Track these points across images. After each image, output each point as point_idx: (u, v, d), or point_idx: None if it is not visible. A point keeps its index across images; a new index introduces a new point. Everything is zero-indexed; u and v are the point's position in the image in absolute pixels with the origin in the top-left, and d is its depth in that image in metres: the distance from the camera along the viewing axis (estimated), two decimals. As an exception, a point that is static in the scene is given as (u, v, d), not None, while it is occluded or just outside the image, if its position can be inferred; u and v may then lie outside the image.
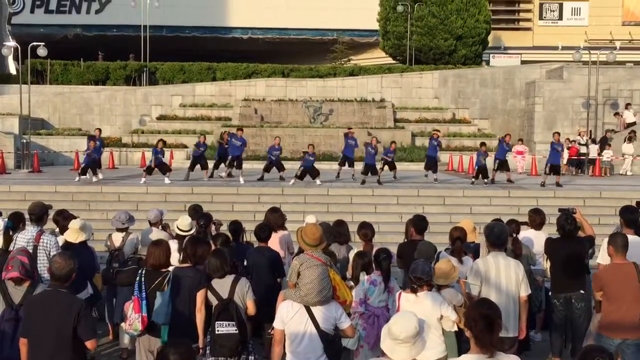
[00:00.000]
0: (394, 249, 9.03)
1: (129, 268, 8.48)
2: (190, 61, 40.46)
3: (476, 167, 22.24)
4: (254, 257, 8.56)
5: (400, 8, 42.39)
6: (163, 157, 22.06)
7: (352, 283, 7.70)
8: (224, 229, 9.84)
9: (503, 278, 6.96)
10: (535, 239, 9.50)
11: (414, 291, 6.49)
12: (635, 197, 16.61)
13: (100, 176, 22.25)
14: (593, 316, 7.96)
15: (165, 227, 10.36)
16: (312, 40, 56.57)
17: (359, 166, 22.98)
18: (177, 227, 8.84)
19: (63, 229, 9.10)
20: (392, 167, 23.03)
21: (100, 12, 57.02)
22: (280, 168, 22.57)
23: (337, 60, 48.79)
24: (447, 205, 18.69)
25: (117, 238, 9.39)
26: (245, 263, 8.47)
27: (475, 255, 8.61)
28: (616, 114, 30.57)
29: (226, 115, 34.92)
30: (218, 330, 6.55)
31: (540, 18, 56.43)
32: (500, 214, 14.61)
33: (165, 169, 21.46)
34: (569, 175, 26.90)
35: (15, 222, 8.63)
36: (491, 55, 51.85)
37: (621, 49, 48.51)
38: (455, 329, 6.65)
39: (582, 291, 8.30)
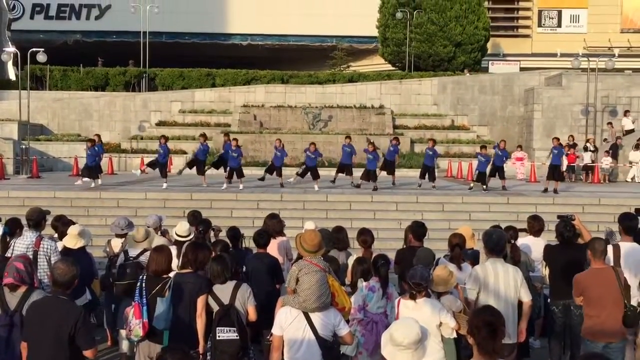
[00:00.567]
0: (392, 255, 9.03)
1: (127, 282, 8.38)
2: (190, 67, 40.50)
3: (476, 172, 22.13)
4: (253, 263, 8.56)
5: (399, 15, 42.49)
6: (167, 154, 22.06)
7: (349, 289, 7.69)
8: (222, 235, 9.84)
9: (502, 284, 6.96)
10: (533, 245, 9.51)
11: (413, 297, 6.49)
12: (634, 204, 16.63)
13: (99, 182, 22.25)
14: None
15: (164, 233, 10.35)
16: (312, 47, 56.70)
17: (357, 173, 22.98)
18: (176, 233, 8.84)
19: (62, 235, 9.09)
20: (391, 172, 23.03)
21: (99, 18, 57.14)
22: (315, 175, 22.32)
23: (337, 67, 48.88)
24: (446, 212, 18.69)
25: (116, 244, 9.39)
26: (244, 269, 8.47)
27: (474, 262, 8.61)
28: (609, 123, 30.58)
29: (225, 121, 34.94)
30: (219, 336, 6.55)
31: (539, 25, 56.59)
32: (499, 220, 14.61)
33: (164, 172, 21.59)
34: (568, 182, 26.93)
35: (12, 228, 8.63)
36: (490, 62, 51.99)
37: (620, 56, 48.59)
38: (454, 335, 6.64)
39: (577, 298, 8.31)
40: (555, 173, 21.56)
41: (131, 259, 8.54)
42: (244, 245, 9.68)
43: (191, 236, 8.83)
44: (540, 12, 56.60)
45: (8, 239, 8.58)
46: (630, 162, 28.01)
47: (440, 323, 6.46)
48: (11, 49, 36.06)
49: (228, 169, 22.27)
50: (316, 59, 53.71)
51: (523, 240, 9.66)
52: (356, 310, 7.13)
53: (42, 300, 5.91)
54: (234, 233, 9.42)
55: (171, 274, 6.96)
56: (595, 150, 28.04)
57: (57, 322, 5.55)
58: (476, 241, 9.69)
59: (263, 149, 30.68)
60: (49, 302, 5.78)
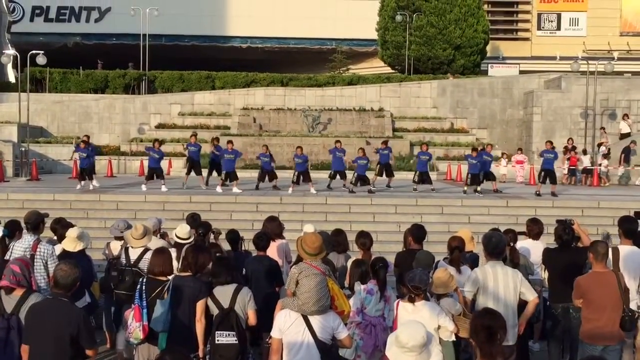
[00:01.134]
0: (392, 258, 9.03)
1: (127, 293, 8.35)
2: (190, 70, 40.51)
3: (468, 175, 21.99)
4: (252, 266, 8.56)
5: (399, 18, 42.53)
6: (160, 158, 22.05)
7: (348, 292, 7.70)
8: (222, 237, 9.84)
9: (501, 287, 6.97)
10: (532, 248, 9.51)
11: (412, 300, 6.49)
12: (634, 207, 16.63)
13: (96, 184, 22.22)
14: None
15: (163, 236, 10.36)
16: (311, 50, 56.76)
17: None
18: (176, 236, 8.85)
19: (61, 238, 9.09)
20: (389, 174, 23.02)
21: (99, 20, 57.20)
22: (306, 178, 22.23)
23: (336, 70, 48.92)
24: (445, 215, 18.69)
25: (116, 246, 9.38)
26: (244, 272, 8.47)
27: (473, 265, 8.61)
28: (602, 128, 30.57)
29: (225, 124, 34.95)
30: (218, 340, 6.54)
31: (539, 28, 56.69)
32: (498, 223, 14.61)
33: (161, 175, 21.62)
34: (568, 184, 26.97)
35: (12, 230, 8.62)
36: (490, 65, 52.05)
37: (619, 59, 48.61)
38: (453, 338, 6.65)
39: (576, 300, 8.32)
40: (549, 177, 21.54)
41: (132, 262, 8.54)
42: (243, 248, 9.68)
43: (191, 239, 8.83)
44: (539, 15, 56.70)
45: (7, 242, 8.58)
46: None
47: (439, 326, 6.46)
48: (11, 51, 36.12)
49: (223, 172, 22.14)
50: (316, 61, 53.77)
51: (522, 243, 9.66)
52: (354, 313, 7.14)
53: (42, 303, 5.91)
54: (234, 236, 9.42)
55: (171, 277, 6.96)
56: (608, 153, 27.95)
57: (58, 325, 5.56)
58: (475, 244, 9.71)
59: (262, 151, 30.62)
60: (49, 304, 5.78)
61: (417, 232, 8.94)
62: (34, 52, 31.26)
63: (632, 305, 7.33)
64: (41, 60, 31.14)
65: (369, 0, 54.53)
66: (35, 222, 8.65)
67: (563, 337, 8.57)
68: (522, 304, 7.14)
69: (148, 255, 7.91)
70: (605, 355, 6.86)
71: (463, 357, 7.36)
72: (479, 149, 23.74)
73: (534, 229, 9.76)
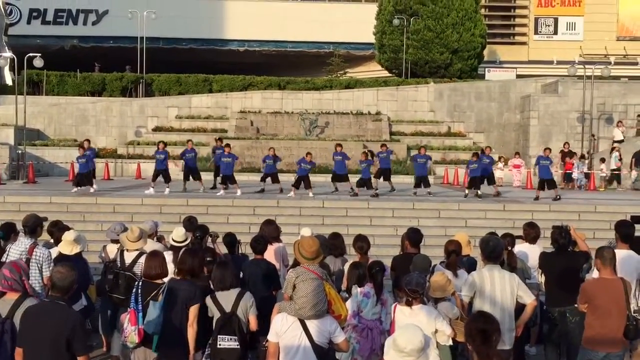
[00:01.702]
0: (389, 262, 9.03)
1: (121, 297, 8.34)
2: (187, 73, 40.51)
3: (470, 178, 22.10)
4: (249, 270, 8.55)
5: (396, 21, 42.58)
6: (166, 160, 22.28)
7: (346, 295, 7.70)
8: (219, 241, 9.82)
9: (498, 291, 6.97)
10: (530, 252, 9.51)
11: (409, 304, 6.49)
12: (630, 211, 16.68)
13: (95, 186, 22.20)
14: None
15: (160, 239, 10.34)
16: (309, 53, 56.79)
17: (353, 179, 22.99)
18: (172, 239, 8.83)
19: (58, 241, 9.08)
20: (387, 179, 23.09)
21: (97, 23, 57.16)
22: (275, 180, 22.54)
23: (333, 73, 48.94)
24: (442, 219, 18.69)
25: (112, 249, 9.36)
26: (241, 275, 8.46)
27: (470, 269, 8.61)
28: (592, 135, 30.58)
29: (222, 127, 34.95)
30: (220, 345, 6.52)
31: (536, 32, 56.81)
32: (495, 227, 14.61)
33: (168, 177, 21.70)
34: (565, 189, 27.03)
35: (7, 233, 8.60)
36: (487, 69, 52.13)
37: (616, 63, 48.82)
38: (450, 343, 6.65)
39: (577, 305, 8.30)
40: (547, 184, 21.55)
41: (126, 265, 8.53)
42: (240, 251, 9.67)
43: (187, 241, 8.81)
44: (536, 19, 56.83)
45: (2, 244, 8.56)
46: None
47: (436, 330, 6.46)
48: (8, 53, 36.04)
49: (221, 175, 22.17)
50: (313, 65, 53.78)
51: (519, 247, 9.67)
52: (351, 316, 7.13)
53: (39, 306, 5.88)
54: (231, 239, 9.41)
55: (166, 279, 6.94)
56: (621, 159, 27.94)
57: (55, 328, 5.52)
58: (472, 248, 9.71)
59: (259, 155, 30.62)
60: (46, 307, 5.75)
61: (414, 236, 8.94)
62: (31, 54, 31.22)
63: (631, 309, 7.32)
64: (38, 62, 31.10)
65: (367, 4, 54.68)
66: (33, 226, 8.63)
67: (560, 341, 8.57)
68: (519, 308, 7.14)
69: (142, 259, 7.89)
70: None
71: (460, 361, 7.36)
72: (478, 152, 23.80)
73: (531, 232, 9.77)
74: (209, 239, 9.57)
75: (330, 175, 23.90)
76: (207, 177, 25.89)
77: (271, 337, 5.73)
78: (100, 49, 54.48)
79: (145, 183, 24.13)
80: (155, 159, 22.65)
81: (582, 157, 28.31)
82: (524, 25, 57.24)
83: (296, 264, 6.79)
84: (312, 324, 5.62)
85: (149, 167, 30.00)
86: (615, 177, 27.78)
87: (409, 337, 4.76)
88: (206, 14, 56.09)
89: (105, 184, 25.28)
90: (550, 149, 23.56)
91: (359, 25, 51.49)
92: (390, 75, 45.31)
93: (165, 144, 23.37)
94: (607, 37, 54.62)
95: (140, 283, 6.80)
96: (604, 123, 31.72)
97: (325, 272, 6.25)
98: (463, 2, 42.65)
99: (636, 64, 53.46)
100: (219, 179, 22.80)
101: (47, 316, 5.61)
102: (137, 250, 8.62)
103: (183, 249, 7.71)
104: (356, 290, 7.55)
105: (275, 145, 30.53)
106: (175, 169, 22.60)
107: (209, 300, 6.75)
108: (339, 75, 48.54)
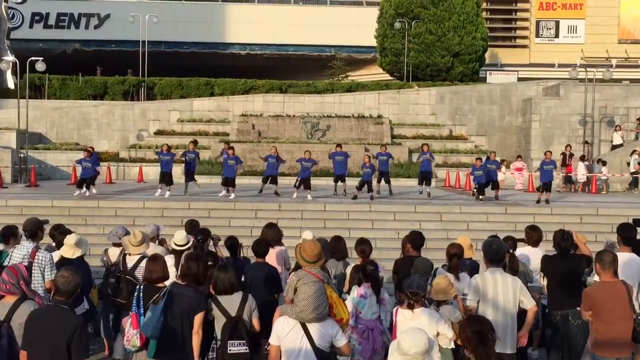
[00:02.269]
0: (390, 265, 9.04)
1: (122, 302, 8.32)
2: (189, 76, 40.56)
3: (476, 184, 22.06)
4: (251, 273, 8.54)
5: (397, 25, 42.62)
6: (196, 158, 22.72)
7: (347, 296, 7.71)
8: (221, 244, 9.82)
9: (500, 294, 6.96)
10: (532, 256, 9.50)
11: (411, 307, 6.49)
12: (632, 214, 16.64)
13: (94, 191, 22.21)
14: (590, 333, 7.95)
15: (162, 242, 10.34)
16: (310, 57, 56.85)
17: (353, 182, 23.01)
18: (174, 242, 8.83)
19: (60, 244, 9.08)
20: (387, 181, 23.11)
21: (99, 27, 57.29)
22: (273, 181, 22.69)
23: (335, 77, 49.00)
24: (444, 222, 18.67)
25: (114, 253, 9.37)
26: (242, 279, 8.45)
27: (472, 272, 8.61)
28: (586, 142, 30.50)
29: (224, 130, 34.98)
30: (230, 350, 6.49)
31: (537, 35, 56.86)
32: (497, 230, 14.60)
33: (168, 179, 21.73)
34: (565, 192, 27.01)
35: (5, 236, 8.59)
36: (488, 72, 52.16)
37: (617, 66, 48.85)
38: (452, 346, 6.64)
39: (578, 308, 8.29)
40: (545, 187, 21.53)
41: (128, 269, 8.53)
42: (242, 255, 9.67)
43: (189, 245, 8.81)
44: (538, 22, 56.88)
45: (2, 248, 8.56)
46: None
47: (438, 333, 6.46)
48: (10, 57, 36.14)
49: (224, 178, 22.19)
50: (315, 68, 53.83)
51: (521, 250, 9.66)
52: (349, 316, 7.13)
53: (42, 309, 5.89)
54: (233, 242, 9.40)
55: (167, 282, 6.92)
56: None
57: (57, 331, 5.53)
58: (474, 251, 9.70)
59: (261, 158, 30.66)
60: (49, 311, 5.76)
61: (416, 239, 8.93)
62: (33, 58, 31.29)
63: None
64: (40, 66, 31.16)
65: (368, 7, 54.76)
66: (33, 229, 8.61)
67: (562, 345, 8.55)
68: (521, 312, 7.13)
69: (144, 263, 7.88)
70: None
71: (462, 365, 7.35)
72: (483, 158, 23.81)
73: (533, 235, 9.75)
74: (211, 243, 9.56)
75: (332, 178, 23.88)
76: (207, 180, 26.01)
77: (273, 340, 5.73)
78: (102, 52, 54.59)
79: (147, 187, 24.13)
80: (160, 161, 22.58)
81: (583, 157, 28.26)
82: (526, 28, 57.29)
83: (298, 267, 6.79)
84: (313, 328, 5.62)
85: (150, 171, 30.08)
86: (634, 180, 27.70)
87: (413, 340, 4.76)
88: (208, 17, 56.20)
89: (107, 188, 25.30)
90: (551, 152, 23.54)
91: (360, 29, 51.56)
92: (392, 78, 45.33)
93: (170, 147, 23.37)
94: (609, 40, 54.65)
95: (142, 287, 6.79)
96: (605, 126, 31.70)
97: (327, 275, 6.25)
98: (464, 6, 42.71)
99: (638, 66, 53.45)
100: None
101: (50, 320, 5.62)
102: (139, 254, 8.62)
103: (185, 253, 7.69)
104: (353, 291, 7.56)
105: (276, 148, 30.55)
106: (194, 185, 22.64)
107: (211, 305, 6.72)
108: (340, 78, 48.59)
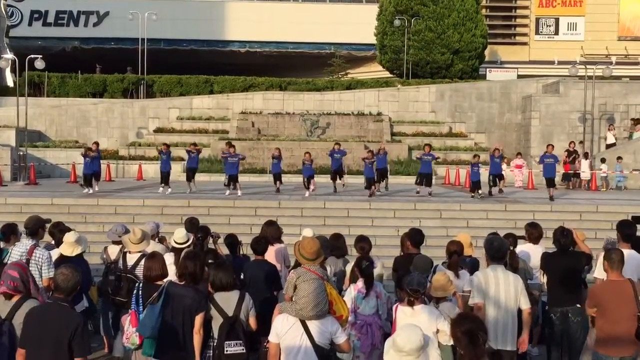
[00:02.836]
0: (390, 263, 9.04)
1: (123, 300, 8.31)
2: (188, 74, 40.54)
3: (473, 181, 22.08)
4: (251, 271, 8.55)
5: (397, 22, 42.57)
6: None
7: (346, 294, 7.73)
8: (220, 241, 9.82)
9: (502, 292, 6.98)
10: (532, 253, 9.50)
11: (411, 304, 6.49)
12: (632, 211, 16.66)
13: (96, 188, 22.22)
14: (590, 330, 7.95)
15: (161, 240, 10.34)
16: (310, 54, 56.82)
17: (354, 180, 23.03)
18: (174, 240, 8.82)
19: (59, 242, 9.07)
20: (384, 177, 23.16)
21: (98, 25, 57.24)
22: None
23: (335, 74, 48.98)
24: (443, 219, 18.68)
25: (114, 250, 9.37)
26: (242, 276, 8.45)
27: (473, 269, 8.60)
28: (580, 142, 30.44)
29: (223, 128, 34.96)
30: (227, 351, 6.49)
31: (537, 33, 56.81)
32: (497, 227, 14.62)
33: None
34: (565, 189, 27.00)
35: (6, 234, 8.59)
36: (488, 69, 52.12)
37: (617, 63, 48.78)
38: (452, 343, 6.63)
39: (578, 305, 8.30)
40: (549, 182, 21.53)
41: (128, 267, 8.52)
42: (241, 252, 9.67)
43: (189, 243, 8.80)
44: (537, 19, 56.82)
45: (2, 245, 8.56)
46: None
47: (438, 330, 6.45)
48: (9, 55, 36.04)
49: (226, 176, 22.27)
50: (314, 66, 53.81)
51: (521, 247, 9.66)
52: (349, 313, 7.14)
53: (42, 307, 5.88)
54: (232, 240, 9.41)
55: (166, 280, 6.90)
56: None
57: (57, 329, 5.53)
58: (474, 249, 9.70)
59: (261, 155, 30.69)
60: (49, 308, 5.75)
61: (415, 237, 8.94)
62: (32, 56, 31.24)
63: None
64: (39, 64, 31.11)
65: (368, 4, 54.71)
66: (34, 228, 8.62)
67: (562, 342, 8.56)
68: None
69: (144, 261, 7.87)
70: None
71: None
72: (482, 155, 23.80)
73: (534, 233, 9.75)
74: (211, 240, 9.56)
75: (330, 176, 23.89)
76: (207, 178, 26.03)
77: (272, 338, 5.72)
78: (102, 50, 54.55)
79: (147, 185, 24.14)
80: (160, 160, 22.80)
81: (586, 155, 28.27)
82: (525, 25, 57.23)
83: (297, 264, 6.78)
84: (313, 325, 5.62)
85: (150, 169, 30.08)
86: None
87: (408, 336, 4.76)
88: (207, 15, 56.14)
89: (106, 186, 25.29)
90: (552, 145, 23.54)
91: (360, 26, 51.51)
92: (392, 76, 45.30)
93: (168, 146, 23.48)
94: (608, 37, 54.59)
95: (141, 285, 6.78)
96: (605, 123, 31.68)
97: (326, 273, 6.25)
98: (464, 3, 42.66)
99: (637, 63, 53.43)
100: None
101: (50, 317, 5.62)
102: (139, 252, 8.61)
103: (184, 252, 7.68)
104: (350, 287, 7.58)
105: (276, 146, 30.56)
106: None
107: (208, 304, 6.70)
108: (340, 76, 48.57)
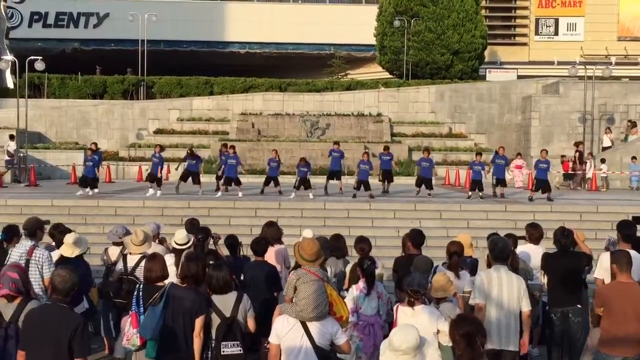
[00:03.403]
0: (390, 264, 9.04)
1: (124, 302, 8.32)
2: (188, 75, 40.54)
3: (473, 180, 22.07)
4: (251, 272, 8.55)
5: (397, 23, 42.59)
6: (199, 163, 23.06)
7: (345, 294, 7.73)
8: (221, 242, 9.82)
9: (505, 292, 6.99)
10: (532, 253, 9.49)
11: (411, 305, 6.49)
12: (632, 211, 16.66)
13: (96, 190, 22.20)
14: (590, 331, 7.96)
15: (162, 241, 10.34)
16: (310, 55, 56.81)
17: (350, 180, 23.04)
18: (174, 241, 8.83)
19: (59, 243, 9.07)
20: (389, 179, 23.11)
21: (98, 26, 57.23)
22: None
23: (334, 75, 48.98)
24: (443, 220, 18.68)
25: (114, 252, 9.37)
26: (242, 277, 8.45)
27: (473, 270, 8.61)
28: (575, 143, 30.37)
29: (223, 129, 34.96)
30: (224, 352, 6.48)
31: (536, 33, 56.81)
32: (497, 228, 14.62)
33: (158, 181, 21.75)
34: (567, 189, 27.01)
35: (9, 235, 8.60)
36: (487, 70, 52.12)
37: (617, 64, 48.77)
38: (452, 343, 6.64)
39: (579, 305, 8.31)
40: (542, 187, 21.47)
41: (129, 269, 8.52)
42: (242, 253, 9.67)
43: (190, 244, 8.81)
44: (537, 20, 56.82)
45: (5, 246, 8.57)
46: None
47: (438, 330, 6.46)
48: (9, 57, 36.07)
49: (224, 178, 22.26)
50: (314, 67, 53.82)
51: (522, 248, 9.65)
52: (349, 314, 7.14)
53: (41, 308, 5.87)
54: (232, 241, 9.41)
55: (167, 282, 6.90)
56: None
57: (57, 330, 5.52)
58: (474, 250, 9.71)
59: (261, 157, 30.68)
60: (48, 310, 5.74)
61: (416, 238, 8.93)
62: (32, 57, 31.24)
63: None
64: (39, 65, 31.12)
65: (367, 5, 54.72)
66: (33, 229, 8.62)
67: (562, 342, 8.56)
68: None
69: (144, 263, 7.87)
70: None
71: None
72: (484, 155, 23.74)
73: (534, 233, 9.74)
74: (211, 241, 9.56)
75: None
76: (207, 179, 25.99)
77: (272, 339, 5.72)
78: (102, 51, 54.53)
79: (147, 186, 24.08)
80: (152, 162, 22.70)
81: (589, 155, 28.30)
82: (525, 26, 57.23)
83: (297, 266, 6.79)
84: (313, 326, 5.62)
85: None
86: None
87: (404, 336, 4.77)
88: (207, 16, 56.13)
89: (106, 187, 25.29)
90: (546, 151, 23.64)
91: (359, 27, 51.50)
92: (391, 76, 45.31)
93: (162, 149, 23.44)
94: (608, 38, 54.59)
95: (142, 286, 6.77)
96: (605, 123, 31.69)
97: (326, 274, 6.25)
98: (463, 3, 42.69)
99: (637, 64, 53.43)
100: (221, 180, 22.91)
101: (49, 319, 5.61)
102: (140, 253, 8.60)
103: (185, 253, 7.68)
104: (352, 287, 7.58)
105: (276, 147, 30.57)
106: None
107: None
108: (340, 76, 48.56)
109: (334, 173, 23.19)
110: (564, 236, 8.37)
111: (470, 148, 33.72)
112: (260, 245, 8.77)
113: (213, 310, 6.60)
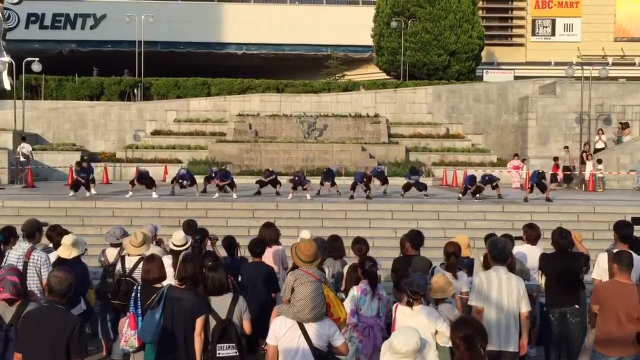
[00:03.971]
0: (388, 264, 9.05)
1: (122, 304, 8.32)
2: (185, 76, 40.52)
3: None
4: (248, 273, 8.54)
5: (394, 24, 42.64)
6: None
7: (342, 295, 7.72)
8: (218, 244, 9.82)
9: (504, 293, 6.99)
10: (530, 254, 9.50)
11: (410, 305, 6.50)
12: (629, 212, 16.68)
13: (93, 191, 22.18)
14: (588, 331, 7.97)
15: (159, 242, 10.33)
16: (307, 56, 56.83)
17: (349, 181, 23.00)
18: (172, 243, 8.83)
19: (57, 245, 9.06)
20: (384, 181, 23.10)
21: (95, 27, 57.18)
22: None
23: (332, 76, 49.01)
24: (441, 220, 18.67)
25: (111, 253, 9.37)
26: (239, 278, 8.45)
27: (470, 270, 8.62)
28: (565, 147, 30.41)
29: (221, 130, 34.94)
30: (219, 354, 6.48)
31: (533, 34, 56.90)
32: (495, 228, 14.59)
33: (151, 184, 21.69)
34: (562, 189, 27.04)
35: (7, 237, 8.59)
36: (484, 70, 52.18)
37: (613, 64, 48.89)
38: (450, 344, 6.65)
39: (577, 306, 8.31)
40: (539, 188, 21.49)
41: (127, 271, 8.52)
42: (239, 254, 9.67)
43: (187, 245, 8.81)
44: (534, 21, 56.92)
45: (2, 247, 8.55)
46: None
47: (436, 331, 6.46)
48: (6, 58, 36.07)
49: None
50: (311, 68, 53.85)
51: (519, 248, 9.66)
52: (349, 315, 7.14)
53: (37, 310, 5.86)
54: (230, 242, 9.41)
55: (165, 283, 6.90)
56: None
57: (54, 332, 5.51)
58: (472, 250, 9.72)
59: (258, 158, 30.70)
60: (45, 311, 5.73)
61: (415, 238, 8.94)
62: (29, 59, 31.27)
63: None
64: (36, 67, 31.14)
65: (364, 6, 54.77)
66: (31, 230, 8.61)
67: (560, 343, 8.57)
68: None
69: (142, 264, 7.87)
70: None
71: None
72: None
73: (532, 234, 9.75)
74: (209, 243, 9.56)
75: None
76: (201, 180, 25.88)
77: (270, 340, 5.72)
78: (99, 53, 54.49)
79: (144, 187, 24.07)
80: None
81: (588, 156, 28.34)
82: (522, 26, 57.34)
83: (295, 267, 6.79)
84: (310, 327, 5.62)
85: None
86: None
87: (405, 338, 4.77)
88: (204, 17, 56.14)
89: (104, 188, 25.26)
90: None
91: (356, 28, 51.53)
92: (389, 77, 45.35)
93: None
94: (605, 38, 54.72)
95: (139, 287, 6.77)
96: (602, 124, 31.74)
97: (324, 275, 6.25)
98: (460, 4, 42.74)
99: (634, 64, 53.56)
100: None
101: (46, 320, 5.59)
102: (139, 255, 8.60)
103: (182, 254, 7.68)
104: (352, 289, 7.58)
105: (274, 147, 30.68)
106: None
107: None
108: (337, 77, 48.59)
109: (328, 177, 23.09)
110: (562, 237, 8.38)
111: (468, 149, 33.77)
112: (257, 246, 8.78)
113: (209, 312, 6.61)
